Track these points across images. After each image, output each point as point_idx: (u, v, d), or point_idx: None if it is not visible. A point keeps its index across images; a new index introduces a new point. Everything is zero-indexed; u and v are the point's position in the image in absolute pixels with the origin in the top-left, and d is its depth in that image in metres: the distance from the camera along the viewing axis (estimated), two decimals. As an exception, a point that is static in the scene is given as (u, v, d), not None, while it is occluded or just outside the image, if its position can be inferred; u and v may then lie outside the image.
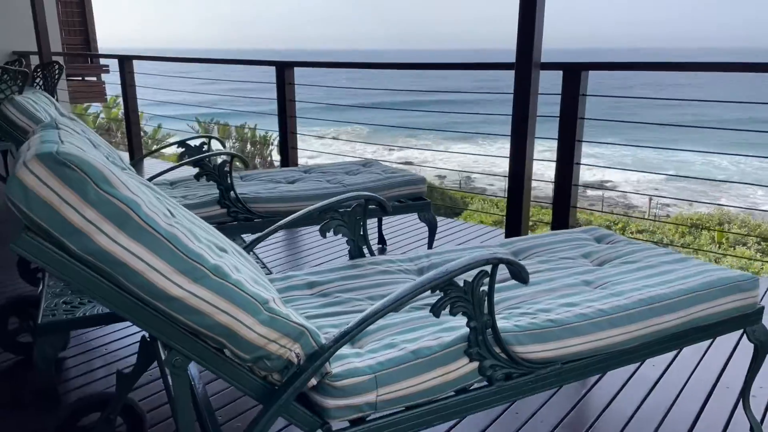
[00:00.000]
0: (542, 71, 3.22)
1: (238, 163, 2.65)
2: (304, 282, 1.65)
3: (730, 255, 9.78)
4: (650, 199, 17.73)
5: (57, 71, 4.96)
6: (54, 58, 6.04)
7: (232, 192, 2.54)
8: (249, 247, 1.79)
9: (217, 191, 2.55)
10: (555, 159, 3.49)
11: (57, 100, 5.19)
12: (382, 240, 3.53)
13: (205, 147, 3.12)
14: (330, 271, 1.72)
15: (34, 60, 6.25)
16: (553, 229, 3.74)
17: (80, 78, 8.15)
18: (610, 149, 29.47)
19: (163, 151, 17.43)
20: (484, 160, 31.39)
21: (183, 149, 3.08)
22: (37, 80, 4.98)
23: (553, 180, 3.53)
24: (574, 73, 3.29)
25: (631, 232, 11.48)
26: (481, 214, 11.46)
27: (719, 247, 11.13)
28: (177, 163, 2.60)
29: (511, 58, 3.22)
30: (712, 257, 9.72)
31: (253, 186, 2.85)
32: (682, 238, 11.52)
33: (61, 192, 0.89)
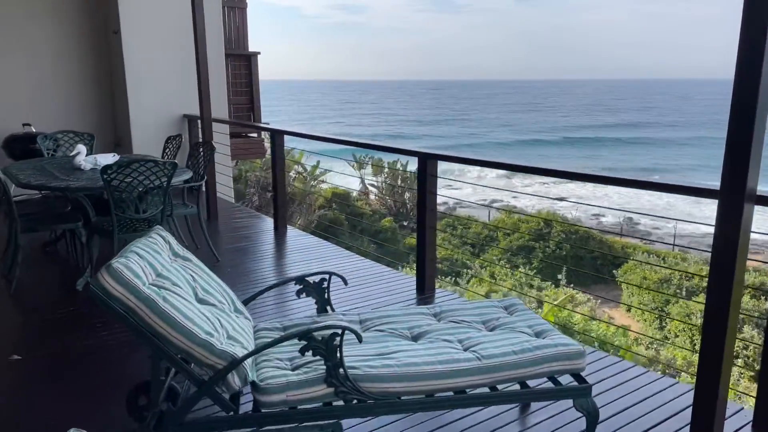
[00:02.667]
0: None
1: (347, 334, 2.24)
2: None
3: None
4: None
5: (209, 152, 5.06)
6: (214, 124, 6.26)
7: (341, 369, 2.14)
8: None
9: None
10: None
11: (206, 178, 5.29)
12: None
13: (325, 284, 2.79)
14: None
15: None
16: (758, 401, 2.81)
17: (243, 135, 8.53)
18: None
19: (313, 194, 18.11)
20: (651, 202, 28.62)
21: (301, 286, 2.79)
22: (194, 159, 5.11)
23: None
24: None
25: None
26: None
27: None
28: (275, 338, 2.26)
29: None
30: None
31: (368, 346, 2.42)
32: None
33: None
